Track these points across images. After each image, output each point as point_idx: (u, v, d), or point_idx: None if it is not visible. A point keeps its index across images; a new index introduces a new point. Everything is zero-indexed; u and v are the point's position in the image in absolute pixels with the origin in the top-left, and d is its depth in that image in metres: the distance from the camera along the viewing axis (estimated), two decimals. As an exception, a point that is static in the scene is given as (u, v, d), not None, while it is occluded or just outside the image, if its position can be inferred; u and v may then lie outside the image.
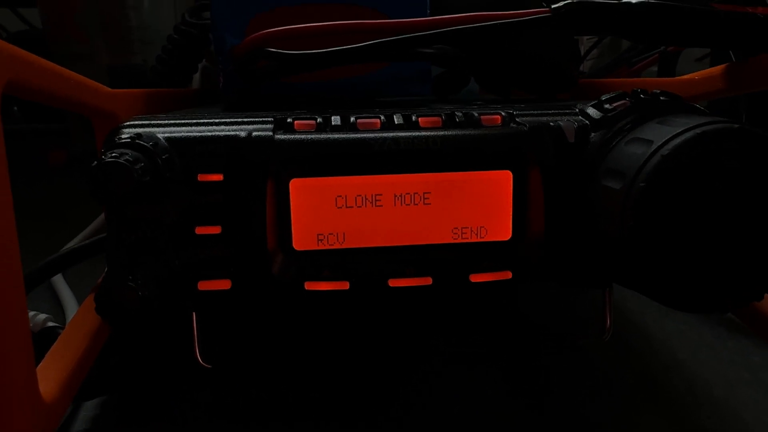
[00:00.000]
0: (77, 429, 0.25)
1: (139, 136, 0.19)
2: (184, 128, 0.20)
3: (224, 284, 0.20)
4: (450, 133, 0.21)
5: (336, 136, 0.20)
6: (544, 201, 0.21)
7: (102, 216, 0.46)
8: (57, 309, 0.35)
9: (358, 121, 0.21)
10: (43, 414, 0.16)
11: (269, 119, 0.21)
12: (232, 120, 0.21)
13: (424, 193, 0.21)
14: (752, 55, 0.23)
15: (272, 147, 0.20)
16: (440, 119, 0.21)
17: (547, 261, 0.22)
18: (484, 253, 0.22)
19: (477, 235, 0.22)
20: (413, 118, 0.21)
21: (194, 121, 0.21)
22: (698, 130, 0.18)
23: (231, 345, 0.32)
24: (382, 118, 0.21)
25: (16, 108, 0.90)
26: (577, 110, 0.22)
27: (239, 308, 0.32)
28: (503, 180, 0.21)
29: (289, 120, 0.21)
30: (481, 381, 0.28)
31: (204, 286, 0.20)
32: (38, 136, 0.89)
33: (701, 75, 0.26)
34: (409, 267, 0.21)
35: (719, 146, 0.18)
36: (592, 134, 0.21)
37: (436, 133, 0.21)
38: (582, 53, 0.60)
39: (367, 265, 0.21)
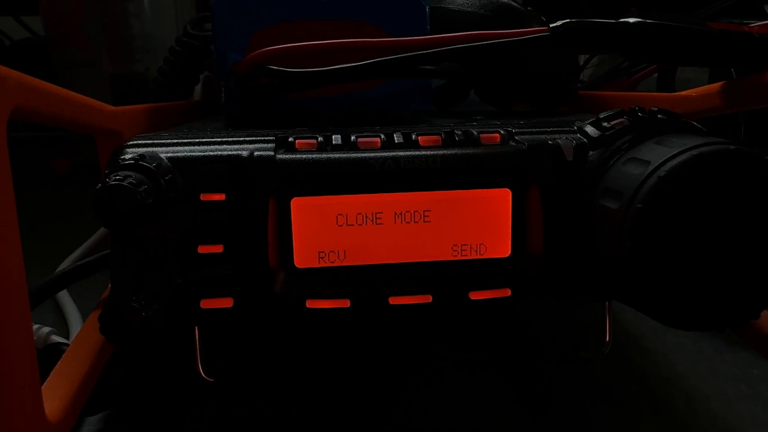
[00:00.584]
0: (81, 443, 0.25)
1: (142, 157, 0.19)
2: (186, 147, 0.20)
3: (226, 302, 0.21)
4: (449, 152, 0.21)
5: (337, 155, 0.21)
6: (542, 219, 0.21)
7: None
8: (60, 320, 0.36)
9: (359, 140, 0.21)
10: (48, 434, 0.16)
11: (270, 138, 0.21)
12: (233, 139, 0.21)
13: (424, 211, 0.21)
14: (748, 73, 0.23)
15: (274, 166, 0.20)
16: (440, 138, 0.21)
17: (546, 278, 0.22)
18: (484, 270, 0.22)
19: (476, 252, 0.22)
20: (413, 136, 0.21)
21: (197, 140, 0.21)
22: (695, 152, 0.18)
23: (233, 359, 0.32)
24: (382, 137, 0.21)
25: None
26: (576, 128, 0.22)
27: (241, 325, 0.33)
28: (502, 198, 0.22)
29: (290, 139, 0.21)
30: (483, 388, 0.29)
31: (206, 304, 0.21)
32: (42, 144, 0.89)
33: (699, 92, 0.26)
34: (409, 284, 0.22)
35: (716, 167, 0.18)
36: (591, 153, 0.21)
37: (435, 152, 0.21)
38: (581, 62, 0.61)
39: (367, 282, 0.21)
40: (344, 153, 0.21)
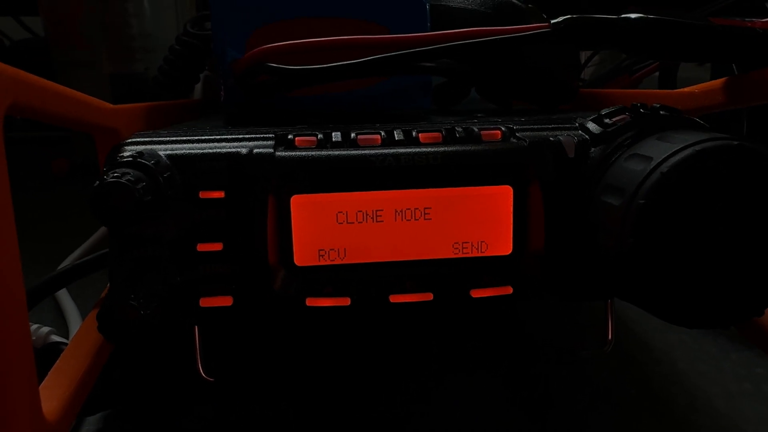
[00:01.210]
0: (80, 443, 0.25)
1: (140, 154, 0.19)
2: (185, 145, 0.20)
3: (226, 301, 0.21)
4: (450, 149, 0.21)
5: (337, 152, 0.20)
6: (544, 216, 0.21)
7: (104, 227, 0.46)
8: (59, 320, 0.35)
9: (359, 137, 0.21)
10: (46, 434, 0.16)
11: (270, 135, 0.21)
12: (233, 136, 0.21)
13: (424, 208, 0.21)
14: (751, 69, 0.23)
15: (273, 164, 0.20)
16: (440, 135, 0.21)
17: (548, 276, 0.22)
18: (485, 268, 0.22)
19: (478, 249, 0.22)
20: (413, 133, 0.21)
21: (195, 137, 0.21)
22: (697, 147, 0.18)
23: (233, 358, 0.32)
24: (383, 134, 0.21)
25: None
26: (577, 124, 0.22)
27: (241, 324, 0.32)
28: (504, 195, 0.21)
29: (289, 136, 0.21)
30: (481, 389, 0.29)
31: (206, 302, 0.20)
32: (41, 145, 0.89)
33: (701, 88, 0.26)
34: (410, 282, 0.21)
35: (718, 163, 0.18)
36: (592, 149, 0.21)
37: (436, 149, 0.21)
38: (583, 60, 0.60)
39: (368, 280, 0.21)
40: (344, 150, 0.21)
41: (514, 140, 0.21)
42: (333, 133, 0.21)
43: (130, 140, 0.21)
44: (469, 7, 0.31)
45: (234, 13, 0.28)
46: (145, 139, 0.20)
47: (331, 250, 0.21)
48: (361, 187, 0.21)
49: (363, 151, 0.21)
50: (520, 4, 0.31)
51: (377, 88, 0.29)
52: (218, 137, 0.21)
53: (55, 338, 0.27)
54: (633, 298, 0.20)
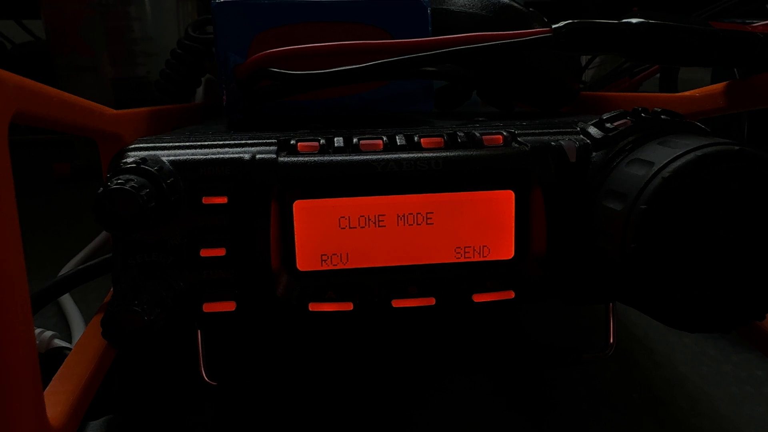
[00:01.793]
0: (83, 448, 0.25)
1: (144, 160, 0.19)
2: (188, 151, 0.20)
3: (229, 306, 0.21)
4: (452, 153, 0.21)
5: (339, 158, 0.21)
6: (546, 220, 0.21)
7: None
8: (63, 324, 0.36)
9: (361, 142, 0.21)
10: (50, 439, 0.16)
11: (272, 141, 0.21)
12: (235, 142, 0.21)
13: (426, 213, 0.21)
14: (752, 74, 0.23)
15: (276, 169, 0.20)
16: (442, 140, 0.21)
17: (550, 280, 0.22)
18: (487, 273, 0.22)
19: (480, 254, 0.22)
20: (415, 138, 0.21)
21: (198, 143, 0.21)
22: (699, 152, 0.18)
23: (236, 362, 0.32)
24: (385, 139, 0.21)
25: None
26: (579, 129, 0.22)
27: (244, 329, 0.32)
28: (506, 200, 0.22)
29: (292, 142, 0.21)
30: (483, 392, 0.29)
31: (209, 308, 0.20)
32: (43, 148, 0.89)
33: (702, 92, 0.26)
34: (413, 287, 0.21)
35: (720, 168, 0.18)
36: (594, 154, 0.21)
37: (438, 154, 0.21)
38: (583, 63, 0.61)
39: (370, 285, 0.21)
40: (346, 155, 0.21)
41: (516, 145, 0.21)
42: (335, 139, 0.21)
43: (133, 146, 0.21)
44: (471, 11, 0.31)
45: (236, 18, 0.28)
46: (149, 145, 0.21)
47: (333, 255, 0.21)
48: (364, 192, 0.21)
49: (365, 157, 0.21)
50: (521, 8, 0.31)
51: (379, 92, 0.29)
52: (221, 143, 0.21)
53: (59, 342, 0.27)
54: (634, 302, 0.20)
